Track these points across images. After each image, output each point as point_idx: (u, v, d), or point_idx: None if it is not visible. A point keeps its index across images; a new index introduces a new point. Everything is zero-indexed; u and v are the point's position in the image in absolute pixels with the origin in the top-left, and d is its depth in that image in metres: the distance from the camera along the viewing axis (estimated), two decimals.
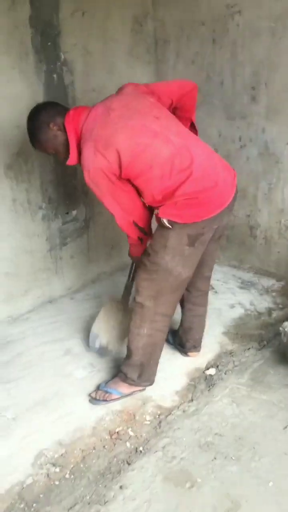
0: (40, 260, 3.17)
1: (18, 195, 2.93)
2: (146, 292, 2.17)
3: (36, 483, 1.96)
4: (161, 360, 2.40)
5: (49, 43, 2.87)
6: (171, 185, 1.98)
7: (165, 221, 2.03)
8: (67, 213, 3.23)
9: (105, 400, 2.31)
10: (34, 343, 2.84)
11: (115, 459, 2.05)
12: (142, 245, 2.25)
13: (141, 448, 2.09)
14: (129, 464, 2.02)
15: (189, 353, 2.61)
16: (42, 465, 2.03)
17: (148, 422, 2.24)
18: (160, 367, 2.41)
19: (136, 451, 2.08)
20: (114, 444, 2.12)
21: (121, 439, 2.15)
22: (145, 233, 2.20)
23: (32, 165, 2.91)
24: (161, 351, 2.35)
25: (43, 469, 2.01)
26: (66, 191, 3.17)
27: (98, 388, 2.38)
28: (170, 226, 2.02)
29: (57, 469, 2.01)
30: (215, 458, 2.02)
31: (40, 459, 2.05)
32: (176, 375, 2.51)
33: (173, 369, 2.54)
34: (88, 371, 2.54)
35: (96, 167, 1.96)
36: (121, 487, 1.91)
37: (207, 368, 2.55)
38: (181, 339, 2.62)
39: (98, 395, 2.33)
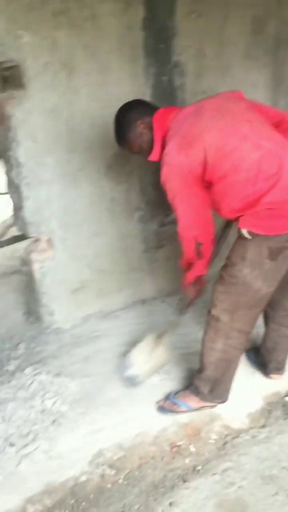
0: (134, 260, 3.20)
1: (116, 195, 2.98)
2: (222, 306, 2.07)
3: (90, 482, 1.97)
4: (238, 377, 2.29)
5: (161, 45, 2.86)
6: (255, 192, 1.85)
7: (244, 232, 1.91)
8: (166, 215, 3.20)
9: (172, 411, 2.25)
10: (117, 341, 2.86)
11: (171, 473, 2.00)
12: (190, 271, 2.14)
13: (199, 467, 2.01)
14: (184, 481, 1.95)
15: (271, 375, 2.45)
16: (99, 465, 2.04)
17: (213, 441, 2.14)
18: (235, 384, 2.29)
19: (194, 469, 2.00)
20: (173, 458, 2.07)
21: (181, 454, 2.08)
22: (199, 254, 2.06)
23: (132, 166, 2.94)
24: (236, 368, 2.23)
25: (99, 469, 2.02)
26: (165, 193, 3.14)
27: (167, 397, 2.32)
28: (250, 237, 1.90)
29: (112, 472, 2.01)
30: (276, 493, 1.86)
31: (98, 458, 2.07)
32: (252, 396, 2.36)
33: (250, 389, 2.39)
34: (161, 378, 2.50)
35: (175, 163, 1.90)
36: (171, 504, 1.85)
37: None
38: (264, 359, 2.46)
39: (166, 405, 2.28)
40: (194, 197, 1.96)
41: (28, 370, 2.54)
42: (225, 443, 2.12)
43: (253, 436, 2.14)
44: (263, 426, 2.19)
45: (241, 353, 2.18)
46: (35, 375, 2.51)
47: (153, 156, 2.09)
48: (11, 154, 2.66)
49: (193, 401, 2.25)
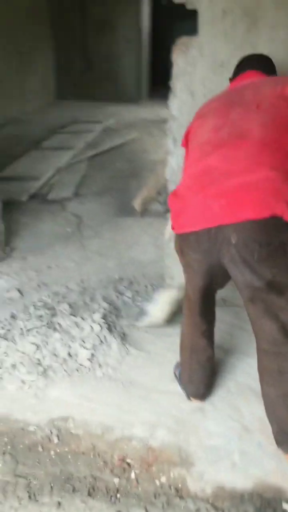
0: None
1: None
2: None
3: (31, 436, 1.99)
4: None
5: None
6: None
7: None
8: None
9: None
10: None
11: (89, 479, 1.82)
12: None
13: (118, 496, 1.76)
14: (89, 495, 1.75)
15: (280, 448, 1.82)
16: (53, 428, 2.01)
17: (157, 484, 1.80)
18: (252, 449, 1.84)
19: (111, 493, 1.76)
20: (107, 469, 1.86)
21: (117, 471, 1.85)
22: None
23: None
24: (188, 360, 2.04)
25: (50, 431, 2.00)
26: None
27: None
28: None
29: (55, 441, 1.97)
30: None
31: (60, 422, 2.03)
32: (252, 471, 1.82)
33: (257, 463, 1.85)
34: None
35: None
36: (58, 504, 1.73)
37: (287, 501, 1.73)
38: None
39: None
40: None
41: (96, 316, 2.58)
42: (163, 494, 1.76)
43: None
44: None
45: (190, 350, 2.00)
46: (101, 323, 2.54)
47: None
48: (169, 104, 2.52)
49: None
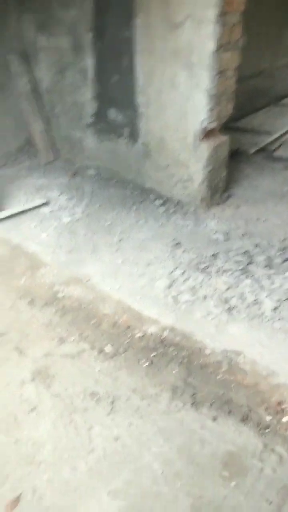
0: None
1: None
2: None
3: (205, 357, 2.27)
4: None
5: None
6: None
7: None
8: None
9: None
10: None
11: (244, 409, 2.03)
12: None
13: (267, 431, 1.94)
14: (241, 421, 1.98)
15: None
16: (225, 357, 2.26)
17: None
18: None
19: (261, 430, 1.95)
20: (262, 407, 2.04)
21: (277, 413, 2.02)
22: None
23: None
24: None
25: (221, 359, 2.25)
26: None
27: None
28: None
29: (225, 368, 2.21)
30: None
31: (234, 355, 2.27)
32: None
33: None
34: None
35: None
36: (215, 418, 1.99)
37: None
38: None
39: None
40: None
41: None
42: None
43: None
44: None
45: None
46: None
47: None
48: None
49: None
